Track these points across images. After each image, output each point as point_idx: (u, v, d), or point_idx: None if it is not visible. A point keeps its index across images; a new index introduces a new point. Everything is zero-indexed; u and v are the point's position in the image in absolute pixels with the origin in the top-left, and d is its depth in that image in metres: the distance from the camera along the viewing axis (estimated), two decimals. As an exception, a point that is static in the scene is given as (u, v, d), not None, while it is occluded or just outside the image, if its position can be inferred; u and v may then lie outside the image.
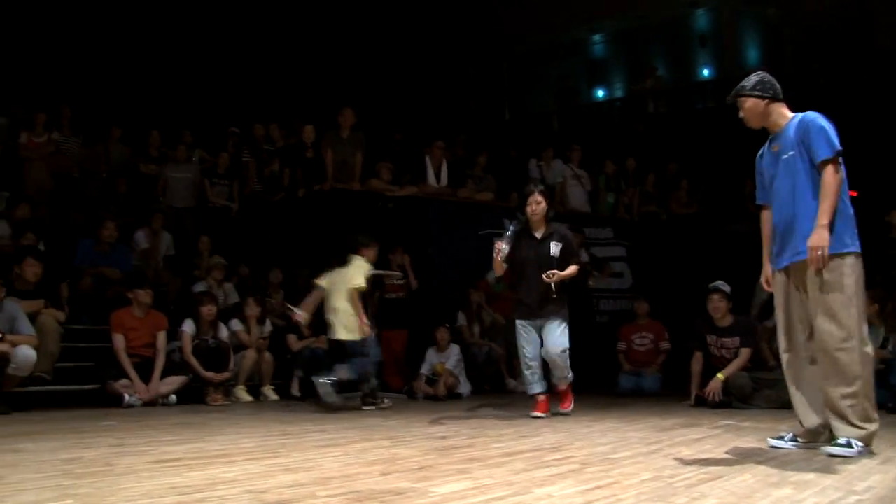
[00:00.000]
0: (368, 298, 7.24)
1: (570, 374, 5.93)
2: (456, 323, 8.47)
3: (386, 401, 6.69)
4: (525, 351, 5.90)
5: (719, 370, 6.62)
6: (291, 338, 7.76)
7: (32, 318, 6.38)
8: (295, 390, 7.56)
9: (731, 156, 11.86)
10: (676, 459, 3.60)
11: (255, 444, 4.15)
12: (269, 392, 7.53)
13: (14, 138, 9.26)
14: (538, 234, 5.86)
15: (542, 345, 5.84)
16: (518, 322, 5.95)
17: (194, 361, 7.06)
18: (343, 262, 6.58)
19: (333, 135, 9.17)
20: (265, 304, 7.97)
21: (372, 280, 6.85)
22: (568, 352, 5.79)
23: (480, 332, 8.63)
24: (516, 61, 18.69)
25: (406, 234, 8.80)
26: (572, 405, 5.98)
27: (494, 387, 8.56)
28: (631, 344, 8.47)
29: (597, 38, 18.57)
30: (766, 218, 4.10)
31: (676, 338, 8.23)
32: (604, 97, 18.31)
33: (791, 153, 3.87)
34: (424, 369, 7.83)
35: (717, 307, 6.78)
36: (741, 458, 3.68)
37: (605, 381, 8.40)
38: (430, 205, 9.29)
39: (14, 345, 5.97)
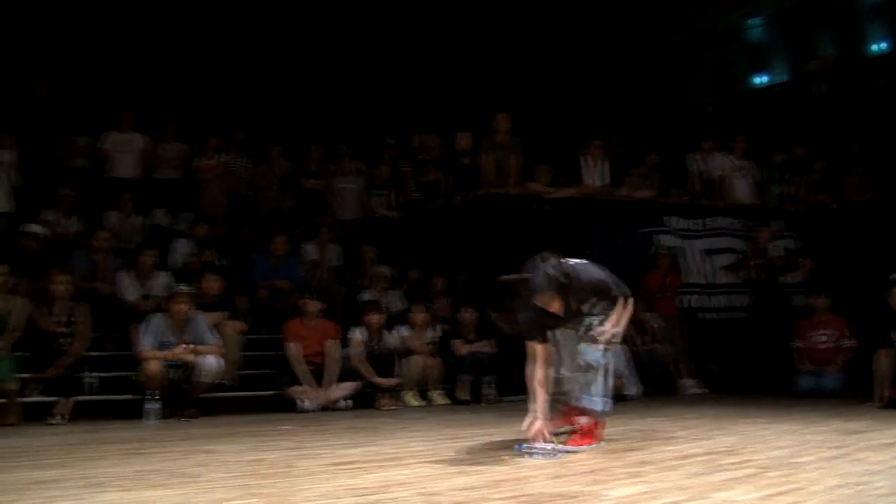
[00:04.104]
0: None
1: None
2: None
3: None
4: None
5: (909, 368, 6.17)
6: (457, 343, 7.88)
7: (216, 328, 6.83)
8: (462, 394, 7.66)
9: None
10: (865, 466, 3.38)
11: (426, 448, 4.24)
12: (436, 396, 7.67)
13: (191, 162, 9.88)
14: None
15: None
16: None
17: (363, 367, 7.29)
18: None
19: (489, 140, 9.24)
20: (431, 309, 8.12)
21: None
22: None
23: (642, 340, 8.41)
24: (669, 53, 18.14)
25: (565, 236, 8.73)
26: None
27: (664, 388, 8.35)
28: (809, 341, 8.00)
29: (753, 21, 17.74)
30: None
31: (858, 334, 7.73)
32: (765, 83, 17.47)
33: None
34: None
35: (901, 300, 6.32)
36: (942, 465, 3.37)
37: (781, 381, 8.02)
38: (587, 205, 9.16)
39: (198, 354, 6.39)
